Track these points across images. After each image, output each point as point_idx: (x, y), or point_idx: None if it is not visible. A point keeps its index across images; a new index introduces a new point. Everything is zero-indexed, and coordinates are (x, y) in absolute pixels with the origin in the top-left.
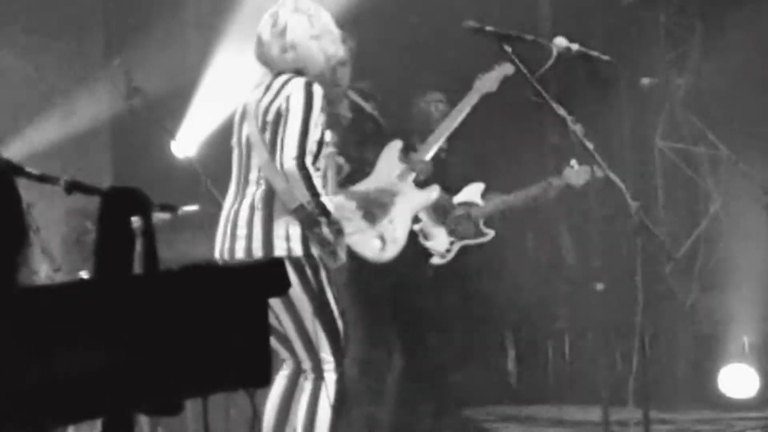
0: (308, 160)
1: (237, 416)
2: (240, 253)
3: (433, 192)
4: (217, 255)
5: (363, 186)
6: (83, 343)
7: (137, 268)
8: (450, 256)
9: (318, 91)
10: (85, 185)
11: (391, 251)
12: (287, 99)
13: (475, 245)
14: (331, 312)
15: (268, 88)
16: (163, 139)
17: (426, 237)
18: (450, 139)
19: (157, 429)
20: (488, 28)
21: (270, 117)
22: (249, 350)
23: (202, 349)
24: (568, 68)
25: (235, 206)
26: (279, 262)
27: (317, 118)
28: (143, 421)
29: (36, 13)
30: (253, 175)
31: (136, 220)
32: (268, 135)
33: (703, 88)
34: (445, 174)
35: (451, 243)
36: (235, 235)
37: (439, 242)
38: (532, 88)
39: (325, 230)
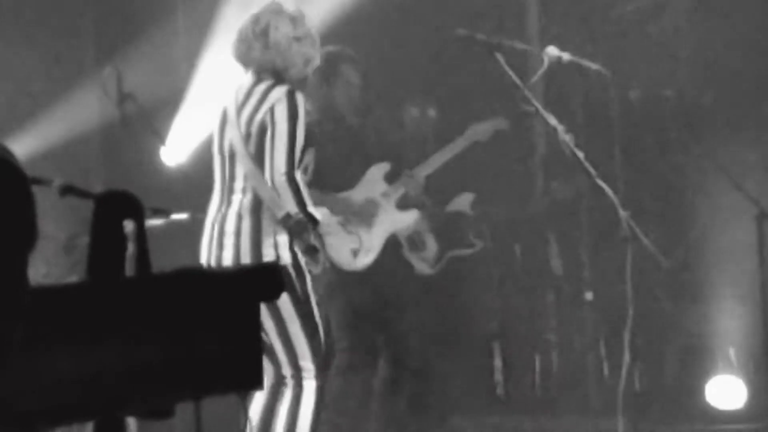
0: (298, 173)
1: (226, 422)
2: (228, 262)
3: (413, 215)
4: (203, 263)
5: (346, 194)
6: (74, 345)
7: (129, 272)
8: (440, 265)
9: (301, 99)
10: (78, 189)
11: (364, 260)
12: (271, 110)
13: (464, 255)
14: (315, 321)
15: (248, 94)
16: (154, 145)
17: (417, 246)
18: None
19: None
20: (479, 36)
21: (254, 128)
22: (241, 354)
23: (194, 353)
24: (560, 78)
25: (221, 214)
26: (272, 267)
27: (302, 127)
28: (132, 426)
29: (26, 18)
30: (238, 184)
31: (128, 224)
32: (252, 146)
33: (692, 99)
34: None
35: (441, 253)
36: (222, 243)
37: (430, 251)
38: (523, 97)
39: (312, 237)
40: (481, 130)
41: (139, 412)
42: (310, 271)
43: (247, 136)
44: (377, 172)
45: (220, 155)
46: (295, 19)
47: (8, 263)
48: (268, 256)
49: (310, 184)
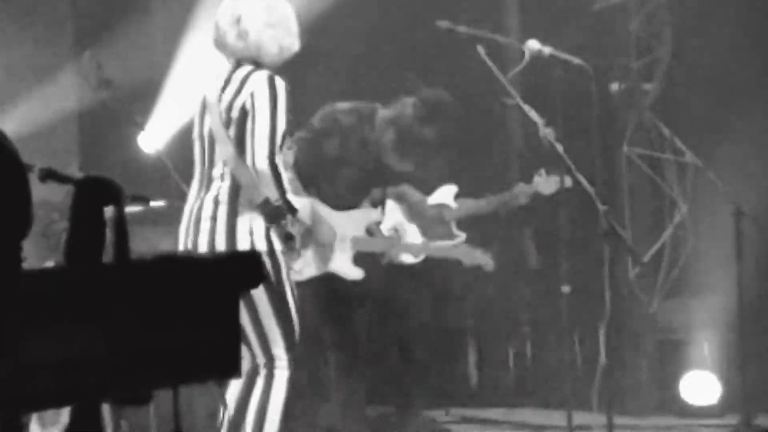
0: (279, 158)
1: (200, 411)
2: (203, 247)
3: (373, 213)
4: (180, 248)
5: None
6: (50, 330)
7: (107, 258)
8: (422, 256)
9: (281, 84)
10: (59, 174)
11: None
12: (252, 95)
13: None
14: (289, 309)
15: (228, 80)
16: (132, 132)
17: (399, 234)
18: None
19: (120, 422)
20: (461, 28)
21: (234, 113)
22: (220, 342)
23: (172, 340)
24: (540, 71)
25: (199, 200)
26: (254, 255)
27: (282, 112)
28: (106, 414)
29: (5, 3)
30: (217, 170)
31: (108, 211)
32: (233, 131)
33: (671, 96)
34: (420, 171)
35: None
36: (199, 228)
37: (413, 240)
38: (504, 91)
39: (289, 225)
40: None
41: (116, 399)
42: (286, 262)
43: (228, 122)
44: (363, 216)
45: (199, 141)
46: (270, 7)
47: (4, 248)
48: (242, 242)
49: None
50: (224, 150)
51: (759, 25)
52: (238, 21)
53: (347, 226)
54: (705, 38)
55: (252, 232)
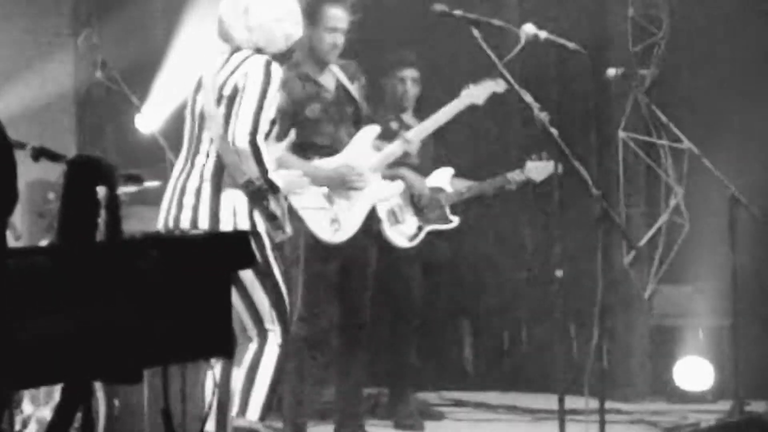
0: (260, 137)
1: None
2: (185, 223)
3: (397, 187)
4: (161, 223)
5: (332, 163)
6: (42, 309)
7: (100, 238)
8: (418, 239)
9: (277, 70)
10: (51, 152)
11: (342, 236)
12: (245, 75)
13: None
14: (278, 286)
15: (226, 61)
16: (129, 113)
17: (396, 218)
18: (420, 120)
19: (114, 401)
20: (456, 12)
21: (226, 91)
22: (211, 322)
23: (164, 319)
24: (536, 55)
25: (183, 176)
26: (245, 235)
27: (273, 97)
28: (99, 395)
29: None
30: (204, 147)
31: (101, 191)
32: (223, 109)
33: (668, 81)
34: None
35: (419, 228)
36: (182, 204)
37: (409, 224)
38: (500, 74)
39: (273, 205)
40: (476, 93)
41: (107, 377)
42: (272, 241)
43: (219, 99)
44: (366, 137)
45: (190, 117)
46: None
47: None
48: (225, 221)
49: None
50: (213, 128)
51: (757, 10)
52: (245, 13)
53: (357, 159)
54: (702, 23)
55: (235, 212)
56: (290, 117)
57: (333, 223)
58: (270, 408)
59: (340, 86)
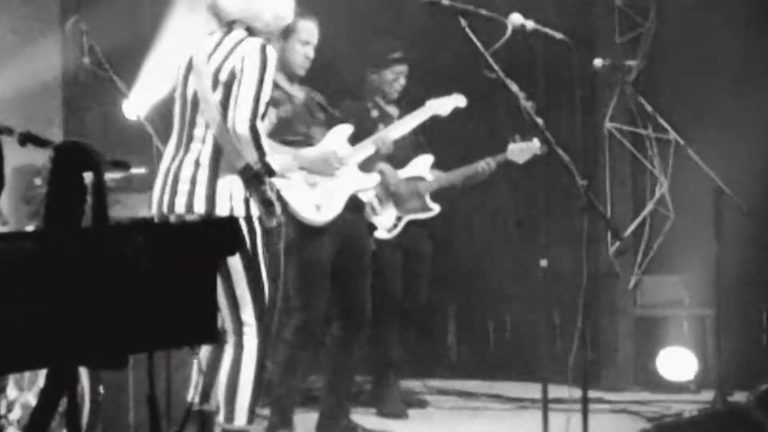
0: (259, 122)
1: (176, 377)
2: (180, 209)
3: (374, 179)
4: (154, 209)
5: (310, 151)
6: (27, 293)
7: (86, 223)
8: (396, 230)
9: (272, 53)
10: (38, 138)
11: (326, 216)
12: (242, 60)
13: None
14: (261, 277)
15: (219, 43)
16: (116, 99)
17: (374, 210)
18: (401, 109)
19: (98, 388)
20: (444, 1)
21: (223, 76)
22: (196, 307)
23: (150, 304)
24: (523, 45)
25: (177, 161)
26: (232, 221)
27: (270, 81)
28: (84, 380)
29: None
30: (199, 132)
31: (87, 176)
32: (219, 95)
33: (655, 72)
34: (394, 147)
35: (398, 218)
36: (176, 190)
37: (387, 216)
38: (486, 64)
39: (269, 190)
40: (438, 105)
41: (92, 362)
42: (263, 225)
43: (215, 84)
44: (340, 133)
45: (181, 101)
46: None
47: None
48: (221, 206)
49: (270, 136)
50: (209, 113)
51: (745, 2)
52: None
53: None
54: (690, 15)
55: (232, 197)
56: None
57: (317, 205)
58: (256, 406)
59: (309, 97)
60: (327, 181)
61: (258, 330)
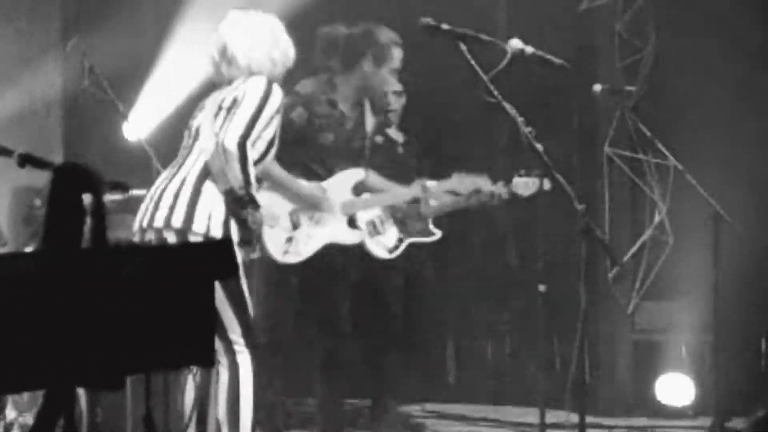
0: (249, 145)
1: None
2: (159, 222)
3: (357, 236)
4: (136, 224)
5: (309, 186)
6: (25, 314)
7: (85, 245)
8: (398, 252)
9: (277, 91)
10: (38, 159)
11: (291, 259)
12: (244, 91)
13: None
14: (244, 298)
15: (228, 84)
16: (116, 120)
17: (376, 230)
18: (405, 132)
19: (96, 410)
20: (444, 26)
21: (225, 104)
22: (193, 330)
23: (147, 326)
24: (522, 70)
25: (165, 181)
26: (228, 244)
27: (271, 114)
28: (82, 402)
29: None
30: (192, 156)
31: (87, 198)
32: (220, 120)
33: (654, 97)
34: (398, 169)
35: (400, 240)
36: (159, 204)
37: (389, 236)
38: (486, 88)
39: (251, 218)
40: (430, 187)
41: (90, 384)
42: (242, 252)
43: (218, 111)
44: (350, 176)
45: (186, 134)
46: (250, 27)
47: None
48: (198, 224)
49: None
50: (205, 141)
51: (744, 26)
52: (224, 50)
53: (334, 192)
54: (690, 40)
55: (210, 216)
56: None
57: (287, 242)
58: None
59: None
60: (311, 226)
61: (247, 346)
